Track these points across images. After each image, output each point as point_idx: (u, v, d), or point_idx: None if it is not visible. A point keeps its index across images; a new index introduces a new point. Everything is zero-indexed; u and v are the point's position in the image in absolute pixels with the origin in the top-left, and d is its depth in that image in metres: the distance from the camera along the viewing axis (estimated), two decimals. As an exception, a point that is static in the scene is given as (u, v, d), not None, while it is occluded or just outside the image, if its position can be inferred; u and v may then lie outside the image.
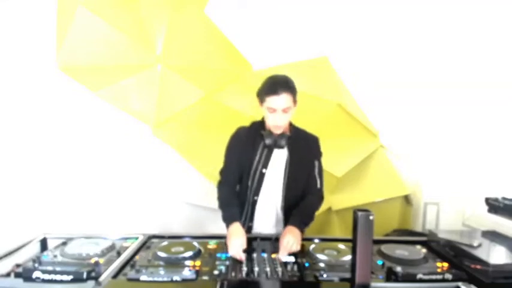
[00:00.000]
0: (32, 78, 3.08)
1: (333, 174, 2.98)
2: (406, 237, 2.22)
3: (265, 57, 3.00)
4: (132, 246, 1.68)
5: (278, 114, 1.73)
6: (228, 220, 1.76)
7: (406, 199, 3.26)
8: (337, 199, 3.10)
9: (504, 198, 1.92)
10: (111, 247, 1.66)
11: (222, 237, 1.75)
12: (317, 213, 2.99)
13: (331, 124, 2.97)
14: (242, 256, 1.55)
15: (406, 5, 3.17)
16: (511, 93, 3.07)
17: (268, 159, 1.86)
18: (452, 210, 3.06)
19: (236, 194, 1.93)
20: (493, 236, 1.74)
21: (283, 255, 1.58)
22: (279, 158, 1.87)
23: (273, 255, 1.60)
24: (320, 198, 1.95)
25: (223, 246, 1.67)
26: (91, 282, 1.31)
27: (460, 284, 1.31)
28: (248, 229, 1.92)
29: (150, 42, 2.83)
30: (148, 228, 2.04)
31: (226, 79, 2.99)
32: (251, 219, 1.94)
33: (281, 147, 1.82)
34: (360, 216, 1.22)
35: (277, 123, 1.76)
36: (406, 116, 3.25)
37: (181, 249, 1.62)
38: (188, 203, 3.25)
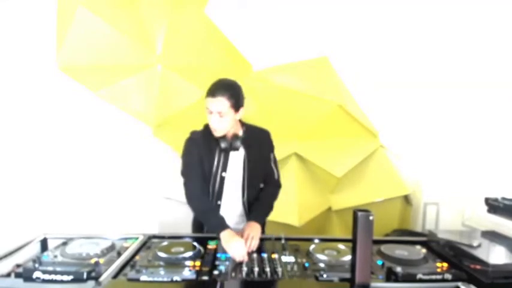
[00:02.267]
0: (32, 78, 3.08)
1: (333, 174, 2.99)
2: (406, 237, 2.22)
3: (265, 57, 3.00)
4: (132, 246, 1.68)
5: (214, 116, 1.72)
6: (218, 228, 1.71)
7: (406, 199, 3.26)
8: (337, 199, 3.10)
9: (504, 199, 1.91)
10: (111, 247, 1.66)
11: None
12: (317, 213, 3.00)
13: (331, 124, 2.97)
14: (246, 256, 1.55)
15: (406, 5, 3.18)
16: (511, 93, 3.07)
17: (226, 162, 1.86)
18: (452, 210, 3.06)
19: (208, 196, 1.90)
20: (493, 236, 1.73)
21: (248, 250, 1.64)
22: (236, 159, 1.87)
23: (273, 256, 1.60)
24: (278, 187, 2.03)
25: (223, 247, 1.67)
26: (91, 283, 1.31)
27: (459, 284, 1.32)
28: None
29: (150, 42, 2.83)
30: (148, 228, 2.04)
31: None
32: None
33: (236, 149, 1.82)
34: (360, 216, 1.22)
35: (212, 126, 1.75)
36: (406, 116, 3.26)
37: (181, 249, 1.62)
38: (188, 203, 3.25)
